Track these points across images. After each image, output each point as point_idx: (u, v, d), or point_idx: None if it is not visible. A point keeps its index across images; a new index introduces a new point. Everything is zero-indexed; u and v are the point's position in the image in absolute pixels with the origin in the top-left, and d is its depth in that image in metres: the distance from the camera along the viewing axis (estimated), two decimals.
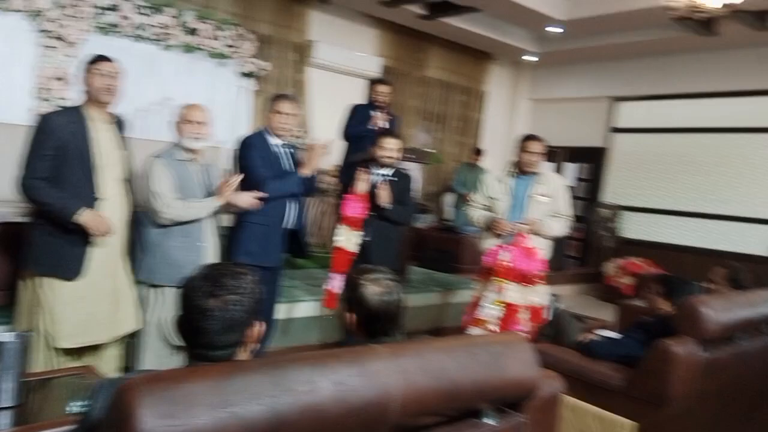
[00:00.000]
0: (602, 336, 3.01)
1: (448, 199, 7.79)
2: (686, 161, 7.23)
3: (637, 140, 7.69)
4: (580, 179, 8.35)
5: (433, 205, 7.73)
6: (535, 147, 3.58)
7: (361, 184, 3.59)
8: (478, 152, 7.48)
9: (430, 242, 6.72)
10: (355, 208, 3.57)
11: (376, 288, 1.72)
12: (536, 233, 3.53)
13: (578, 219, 8.13)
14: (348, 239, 3.56)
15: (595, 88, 8.03)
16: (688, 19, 4.62)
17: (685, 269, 5.27)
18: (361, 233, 3.57)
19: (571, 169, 8.42)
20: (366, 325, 1.71)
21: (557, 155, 8.27)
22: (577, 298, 6.83)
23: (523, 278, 3.37)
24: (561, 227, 3.67)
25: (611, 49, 7.28)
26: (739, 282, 3.39)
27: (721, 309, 2.53)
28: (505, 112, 8.74)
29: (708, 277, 3.56)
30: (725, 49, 6.71)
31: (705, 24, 5.15)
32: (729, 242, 6.78)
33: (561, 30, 6.88)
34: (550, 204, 3.60)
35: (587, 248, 7.91)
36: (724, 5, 4.48)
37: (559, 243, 7.90)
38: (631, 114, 7.80)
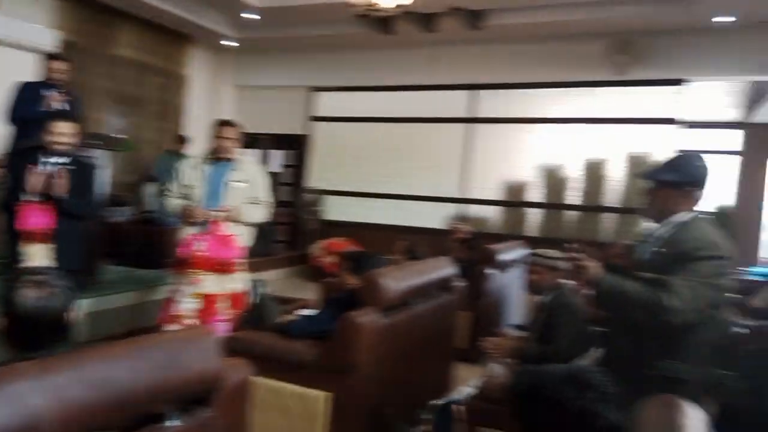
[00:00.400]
0: (300, 315, 3.14)
1: (150, 189, 7.29)
2: (379, 148, 7.98)
3: (335, 128, 8.23)
4: (285, 166, 8.62)
5: (132, 196, 7.15)
6: (229, 132, 3.54)
7: (34, 180, 3.10)
8: (181, 139, 7.14)
9: (129, 237, 6.20)
10: (37, 218, 3.07)
11: (32, 292, 1.50)
12: (234, 220, 3.51)
13: (285, 204, 8.41)
14: (39, 257, 3.06)
15: (294, 78, 8.34)
16: (367, 17, 5.05)
17: (380, 245, 5.82)
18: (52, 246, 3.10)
19: (277, 155, 8.63)
20: (16, 335, 1.48)
21: (262, 142, 8.38)
22: (285, 281, 7.06)
23: (220, 267, 3.33)
24: (260, 213, 3.70)
25: (307, 41, 7.64)
26: (415, 253, 3.87)
27: (397, 279, 2.85)
28: (209, 98, 8.52)
29: (392, 250, 4.01)
30: (406, 48, 7.56)
31: (382, 22, 5.71)
32: (415, 218, 7.71)
33: (257, 17, 6.94)
34: (247, 190, 3.60)
35: (295, 232, 8.22)
36: (398, 5, 5.00)
37: (267, 228, 8.04)
38: (328, 103, 8.31)
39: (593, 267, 2.16)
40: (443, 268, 3.47)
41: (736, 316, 5.02)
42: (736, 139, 7.51)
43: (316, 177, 8.29)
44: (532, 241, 6.06)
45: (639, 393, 1.95)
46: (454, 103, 7.66)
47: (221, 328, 3.26)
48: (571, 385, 1.12)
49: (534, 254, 3.18)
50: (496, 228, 7.38)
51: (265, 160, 8.42)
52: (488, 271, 4.85)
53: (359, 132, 8.12)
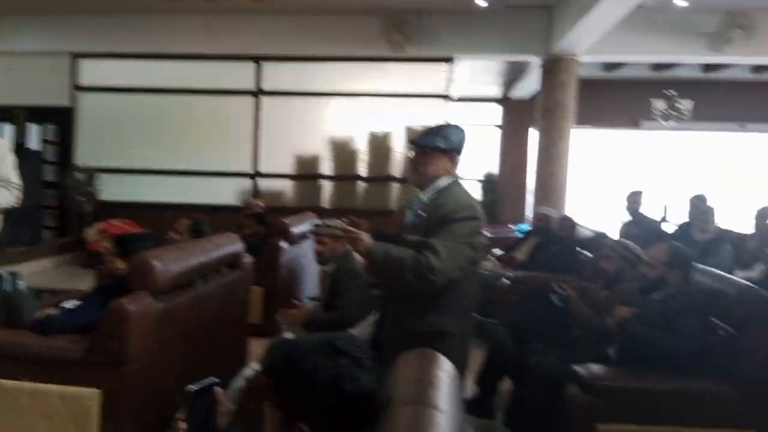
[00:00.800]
0: (63, 308, 2.79)
1: None
2: (160, 121, 7.43)
3: (107, 100, 7.45)
4: (46, 142, 7.60)
5: None
6: None
7: None
8: None
9: None
10: None
11: None
12: None
13: (51, 185, 7.46)
14: None
15: (55, 42, 7.32)
16: None
17: (167, 226, 5.43)
18: None
19: (36, 130, 7.56)
20: None
21: (16, 116, 7.28)
22: (56, 271, 6.30)
23: None
24: (6, 197, 3.20)
25: (69, 2, 6.73)
26: (200, 231, 3.67)
27: (173, 259, 2.66)
28: None
29: (174, 228, 3.75)
30: (182, 14, 7.05)
31: None
32: (205, 196, 7.37)
33: None
34: None
35: (65, 216, 7.34)
36: None
37: (33, 213, 7.06)
38: (96, 72, 7.46)
39: (364, 238, 2.21)
40: (229, 245, 3.34)
41: (504, 269, 5.67)
42: (498, 113, 8.39)
43: (86, 154, 7.40)
44: (325, 213, 6.17)
45: (409, 349, 2.07)
46: (241, 75, 7.39)
47: None
48: (325, 353, 1.11)
49: (317, 225, 3.20)
50: (290, 202, 7.37)
51: (21, 137, 7.33)
52: (281, 244, 4.81)
53: (134, 103, 7.45)
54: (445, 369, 1.34)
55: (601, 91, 9.30)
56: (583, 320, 3.21)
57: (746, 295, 2.63)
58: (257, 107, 7.37)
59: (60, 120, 7.46)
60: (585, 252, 5.01)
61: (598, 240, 4.39)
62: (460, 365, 2.39)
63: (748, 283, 2.88)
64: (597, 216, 8.24)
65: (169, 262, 2.60)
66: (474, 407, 3.35)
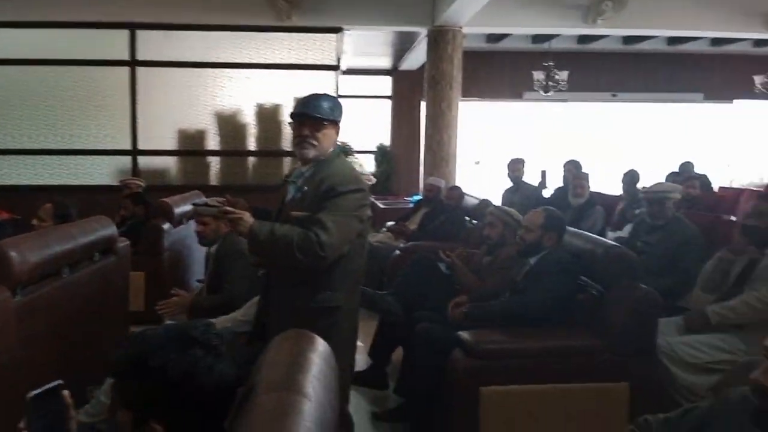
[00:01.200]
0: None
1: None
2: (26, 95, 6.77)
3: None
4: None
5: None
6: None
7: None
8: None
9: None
10: None
11: None
12: None
13: None
14: None
15: None
16: None
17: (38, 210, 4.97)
18: None
19: None
20: None
21: None
22: None
23: None
24: None
25: None
26: (66, 216, 3.39)
27: (32, 248, 2.43)
28: None
29: (37, 215, 3.44)
30: None
31: None
32: (82, 176, 6.86)
33: None
34: None
35: None
36: None
37: None
38: None
39: (245, 217, 2.13)
40: (100, 229, 3.10)
41: (396, 240, 5.74)
42: (387, 84, 8.40)
43: None
44: (214, 191, 5.91)
45: (297, 327, 2.04)
46: (116, 44, 6.85)
47: None
48: (176, 345, 1.03)
49: (196, 204, 3.06)
50: (174, 180, 7.01)
51: None
52: (163, 226, 4.58)
53: (4, 77, 6.74)
54: (318, 350, 1.31)
55: (486, 63, 9.59)
56: (467, 286, 3.32)
57: (610, 254, 2.82)
58: (133, 79, 6.89)
59: None
60: (472, 220, 5.18)
61: (482, 207, 4.55)
62: (350, 339, 2.39)
63: (613, 243, 3.10)
64: (484, 185, 8.56)
65: (27, 252, 2.37)
66: (368, 379, 3.39)
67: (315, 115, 2.21)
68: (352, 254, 2.25)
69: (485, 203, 4.76)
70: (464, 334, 2.70)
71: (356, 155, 8.85)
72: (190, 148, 7.06)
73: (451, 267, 3.47)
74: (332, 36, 7.02)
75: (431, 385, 2.74)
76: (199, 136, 7.07)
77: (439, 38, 6.80)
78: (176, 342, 1.03)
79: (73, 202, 3.54)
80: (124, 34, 6.83)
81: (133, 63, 6.88)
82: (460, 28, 6.80)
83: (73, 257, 2.79)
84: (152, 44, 6.91)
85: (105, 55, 6.84)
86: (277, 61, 7.05)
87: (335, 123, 2.28)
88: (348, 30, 7.05)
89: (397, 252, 4.81)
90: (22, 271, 2.32)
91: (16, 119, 6.79)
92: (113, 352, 1.09)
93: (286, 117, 7.12)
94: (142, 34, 6.87)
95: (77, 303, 2.81)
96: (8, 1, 6.48)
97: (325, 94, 2.32)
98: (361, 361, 3.46)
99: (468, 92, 7.64)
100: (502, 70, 9.88)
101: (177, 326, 1.10)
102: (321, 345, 1.37)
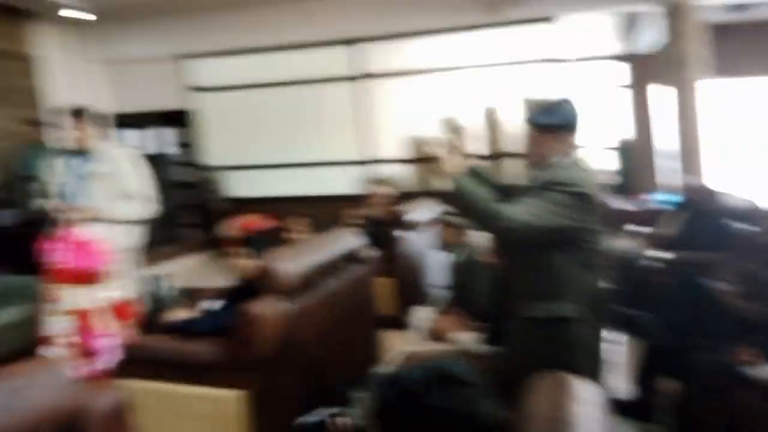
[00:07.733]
0: (202, 310, 2.94)
1: (36, 186, 6.61)
2: (272, 115, 7.59)
3: (222, 99, 7.72)
4: (182, 144, 8.10)
5: (18, 195, 6.43)
6: (81, 122, 3.22)
7: None
8: (35, 123, 6.27)
9: (17, 241, 5.65)
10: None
11: None
12: (98, 220, 3.17)
13: (188, 185, 7.98)
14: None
15: (168, 46, 7.55)
16: None
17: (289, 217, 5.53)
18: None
19: (168, 134, 8.09)
20: None
21: (142, 121, 7.80)
22: (201, 269, 6.72)
23: (82, 279, 2.97)
24: (134, 209, 3.37)
25: (175, 4, 6.97)
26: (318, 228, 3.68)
27: (293, 259, 2.68)
28: (74, 78, 7.39)
29: (288, 226, 3.78)
30: (276, 4, 6.99)
31: None
32: (323, 186, 7.50)
33: None
34: (111, 184, 3.27)
35: (204, 214, 7.83)
36: None
37: (170, 215, 7.60)
38: (210, 72, 7.72)
39: (455, 162, 2.23)
40: (346, 240, 3.32)
41: (647, 248, 5.15)
42: (618, 71, 7.65)
43: (214, 153, 7.79)
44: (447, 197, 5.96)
45: (532, 341, 1.98)
46: (336, 61, 7.37)
47: (107, 344, 2.96)
48: (435, 384, 1.00)
49: (443, 212, 3.12)
50: (407, 187, 7.29)
51: (144, 142, 7.85)
52: (398, 233, 4.75)
53: (247, 100, 7.66)
54: (580, 399, 1.17)
55: (734, 36, 8.24)
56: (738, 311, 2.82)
57: None
58: (358, 91, 7.33)
59: (181, 122, 7.82)
60: (736, 224, 4.46)
61: (755, 211, 3.87)
62: (592, 356, 2.20)
63: None
64: (737, 181, 7.36)
65: (291, 264, 2.62)
66: (632, 408, 3.07)
67: (536, 123, 2.27)
68: (575, 263, 2.15)
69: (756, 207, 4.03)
70: (752, 370, 2.28)
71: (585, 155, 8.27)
72: (421, 155, 7.27)
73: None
74: (544, 26, 6.66)
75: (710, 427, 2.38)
76: (428, 142, 7.25)
77: (676, 13, 6.04)
78: (435, 381, 1.01)
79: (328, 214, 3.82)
80: (343, 50, 7.29)
81: (355, 77, 7.31)
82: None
83: (327, 268, 3.02)
84: (371, 57, 7.26)
85: (328, 72, 7.36)
86: (492, 59, 6.95)
87: (551, 129, 2.23)
88: (563, 17, 6.62)
89: (656, 263, 4.24)
90: (289, 282, 2.56)
91: (266, 138, 7.66)
92: (365, 355, 1.11)
93: (513, 118, 6.95)
94: (361, 49, 7.25)
95: (336, 310, 3.01)
96: (246, 31, 7.26)
97: (551, 101, 2.30)
98: (624, 387, 3.14)
99: (716, 70, 6.65)
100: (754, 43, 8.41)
101: (432, 365, 1.07)
102: (583, 390, 1.22)
